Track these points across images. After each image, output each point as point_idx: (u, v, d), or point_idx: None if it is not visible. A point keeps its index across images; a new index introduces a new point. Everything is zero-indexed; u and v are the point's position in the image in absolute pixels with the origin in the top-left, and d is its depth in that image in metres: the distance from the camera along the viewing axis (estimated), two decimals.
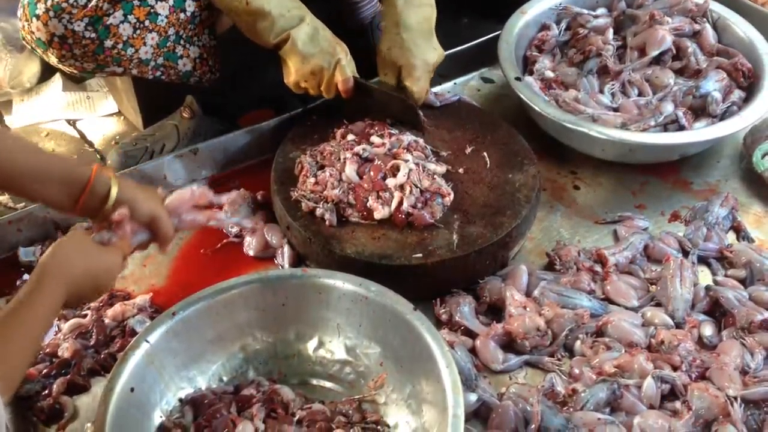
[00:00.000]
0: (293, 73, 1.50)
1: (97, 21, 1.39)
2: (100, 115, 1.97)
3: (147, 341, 1.14)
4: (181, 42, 1.51)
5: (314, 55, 1.47)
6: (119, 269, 1.10)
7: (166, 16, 1.46)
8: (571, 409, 1.16)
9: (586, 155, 1.63)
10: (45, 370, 1.25)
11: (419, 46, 1.54)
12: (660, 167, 1.64)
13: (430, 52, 1.56)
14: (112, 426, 1.05)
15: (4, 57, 1.92)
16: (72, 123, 1.96)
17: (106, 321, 1.33)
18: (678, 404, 1.16)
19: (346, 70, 1.49)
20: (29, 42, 1.44)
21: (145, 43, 1.45)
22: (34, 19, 1.39)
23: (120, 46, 1.43)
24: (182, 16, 1.49)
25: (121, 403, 1.08)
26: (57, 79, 1.99)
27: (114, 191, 1.09)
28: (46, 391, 1.22)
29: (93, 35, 1.40)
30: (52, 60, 1.47)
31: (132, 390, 1.10)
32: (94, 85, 2.01)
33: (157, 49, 1.47)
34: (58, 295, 1.00)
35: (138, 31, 1.43)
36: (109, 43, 1.42)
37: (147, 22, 1.44)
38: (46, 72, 1.98)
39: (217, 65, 1.60)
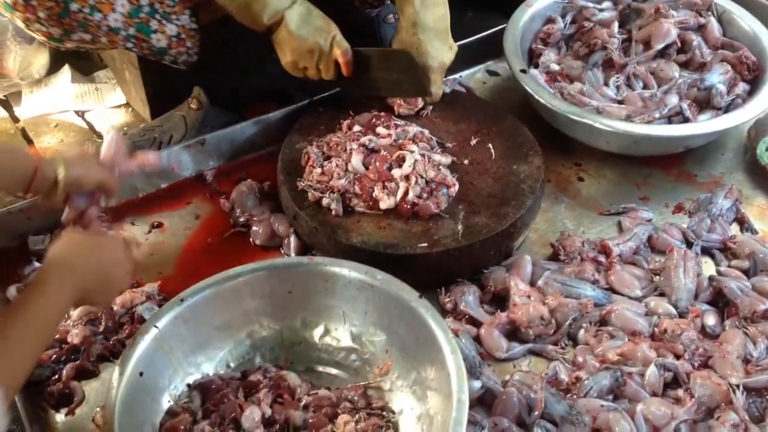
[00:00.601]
0: (289, 54, 1.49)
1: None
2: (109, 107, 1.98)
3: (156, 326, 1.16)
4: (157, 17, 1.47)
5: (309, 33, 1.46)
6: (123, 257, 1.12)
7: None
8: (575, 396, 1.17)
9: (590, 147, 1.64)
10: (55, 356, 1.26)
11: (436, 48, 1.54)
12: (664, 159, 1.65)
13: (446, 53, 1.56)
14: (121, 410, 1.07)
15: (13, 48, 1.94)
16: (80, 114, 1.97)
17: (115, 308, 1.34)
18: (681, 392, 1.17)
19: (343, 43, 1.48)
20: None
21: (114, 10, 1.42)
22: None
23: (86, 10, 1.40)
24: None
25: (131, 387, 1.10)
26: (66, 71, 2.00)
27: (61, 174, 1.13)
28: (56, 376, 1.24)
29: None
30: (20, 24, 1.45)
31: (141, 374, 1.12)
32: (102, 76, 2.03)
33: (128, 18, 1.44)
34: (65, 297, 1.00)
35: None
36: (74, 6, 1.39)
37: None
38: (56, 63, 2.00)
39: (195, 48, 1.56)
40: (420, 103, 1.60)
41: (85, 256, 1.06)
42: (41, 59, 1.97)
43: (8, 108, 1.99)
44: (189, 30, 1.54)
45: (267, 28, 1.48)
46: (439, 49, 1.55)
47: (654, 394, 1.17)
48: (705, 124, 1.56)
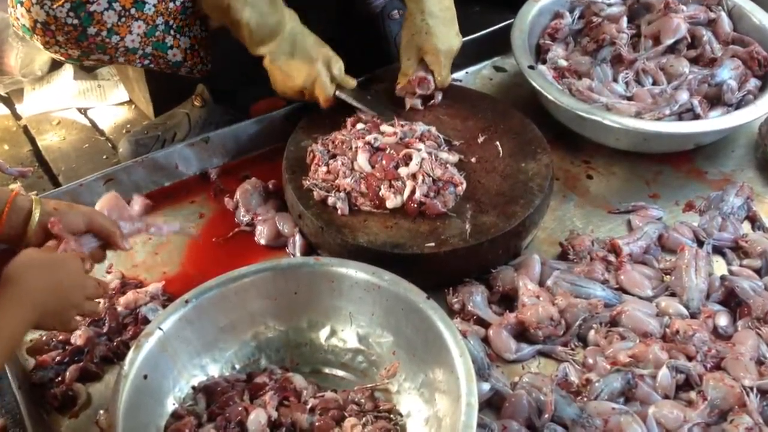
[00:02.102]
0: (277, 87, 1.55)
1: (79, 7, 1.36)
2: (111, 104, 1.97)
3: (160, 329, 1.14)
4: (171, 32, 1.49)
5: (292, 74, 1.51)
6: (82, 275, 1.06)
7: (154, 5, 1.44)
8: (585, 399, 1.15)
9: (599, 144, 1.62)
10: (58, 358, 1.25)
11: (444, 32, 1.55)
12: (674, 156, 1.63)
13: (454, 38, 1.57)
14: (125, 413, 1.05)
15: (15, 45, 1.92)
16: (83, 111, 1.96)
17: (119, 309, 1.33)
18: (693, 394, 1.15)
19: (325, 88, 1.52)
20: (17, 28, 1.43)
21: (131, 32, 1.43)
22: (19, 5, 1.38)
23: (104, 33, 1.41)
24: (171, 5, 1.46)
25: (135, 390, 1.08)
26: (68, 68, 1.99)
27: (36, 212, 1.07)
28: (59, 378, 1.23)
29: (75, 21, 1.37)
30: (38, 45, 1.45)
31: (145, 377, 1.10)
32: (105, 73, 2.01)
33: (144, 38, 1.46)
34: (22, 318, 0.95)
35: (123, 19, 1.41)
36: (92, 30, 1.39)
37: (133, 11, 1.41)
38: (58, 60, 1.98)
39: (209, 56, 1.58)
40: (431, 88, 1.58)
41: (42, 277, 1.00)
42: (43, 56, 1.96)
43: (10, 105, 1.98)
44: (201, 39, 1.55)
45: (259, 57, 1.51)
46: (447, 33, 1.56)
47: (666, 397, 1.15)
48: (716, 121, 1.54)
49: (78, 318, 1.09)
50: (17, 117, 1.95)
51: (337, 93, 1.55)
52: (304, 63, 1.50)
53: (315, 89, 1.52)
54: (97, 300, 1.10)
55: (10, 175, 1.50)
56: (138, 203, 1.22)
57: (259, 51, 1.49)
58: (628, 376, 1.15)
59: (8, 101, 1.99)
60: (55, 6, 1.36)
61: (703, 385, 1.15)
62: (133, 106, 1.96)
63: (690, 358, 1.19)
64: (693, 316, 1.28)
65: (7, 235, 1.07)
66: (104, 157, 1.82)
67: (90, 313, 1.11)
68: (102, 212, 1.16)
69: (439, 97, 1.60)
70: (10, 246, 1.09)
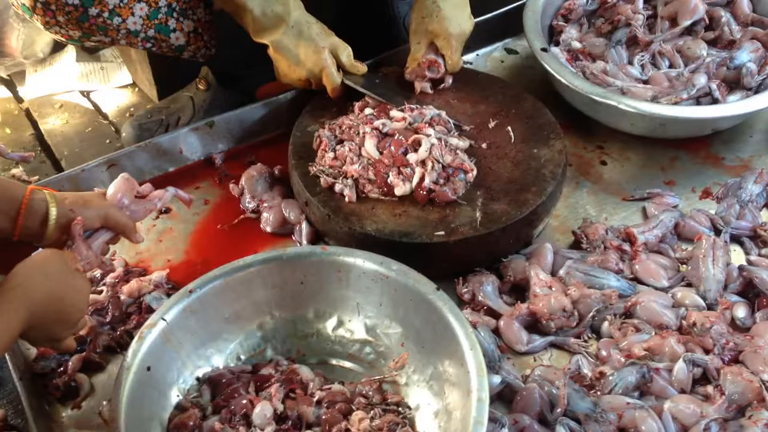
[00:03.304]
0: (281, 76, 1.51)
1: None
2: (114, 87, 1.94)
3: (164, 319, 1.12)
4: (174, 15, 1.45)
5: (298, 64, 1.47)
6: (87, 296, 1.04)
7: None
8: (599, 393, 1.12)
9: (613, 129, 1.58)
10: None
11: (456, 15, 1.51)
12: (690, 142, 1.58)
13: (465, 22, 1.53)
14: (128, 405, 1.03)
15: (16, 26, 1.89)
16: (86, 94, 1.92)
17: (122, 297, 1.30)
18: (710, 389, 1.12)
19: (332, 78, 1.48)
20: (17, 7, 1.40)
21: (133, 14, 1.39)
22: None
23: (105, 14, 1.37)
24: None
25: (138, 382, 1.06)
26: (70, 50, 1.95)
27: (53, 212, 1.04)
28: (62, 369, 1.21)
29: (77, 2, 1.34)
30: (38, 25, 1.42)
31: (148, 369, 1.08)
32: (108, 55, 1.98)
33: (147, 20, 1.42)
34: (16, 320, 0.92)
35: (125, 1, 1.38)
36: (93, 11, 1.36)
37: None
38: (59, 42, 1.95)
39: (213, 41, 1.54)
40: (441, 71, 1.54)
41: (47, 286, 0.97)
42: (45, 37, 1.93)
43: (12, 88, 1.95)
44: (205, 23, 1.51)
45: (263, 44, 1.47)
46: (459, 16, 1.52)
47: (682, 391, 1.12)
48: (735, 106, 1.49)
49: (68, 341, 1.07)
50: (19, 100, 1.92)
51: (345, 80, 1.51)
52: (310, 52, 1.46)
53: (322, 79, 1.49)
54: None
55: (12, 159, 1.48)
56: (147, 188, 1.20)
57: (264, 39, 1.46)
58: (644, 370, 1.12)
59: (10, 84, 1.96)
60: None
61: (721, 379, 1.12)
62: (137, 89, 1.93)
63: (707, 351, 1.16)
64: (710, 307, 1.24)
65: (25, 234, 1.05)
66: (107, 141, 1.79)
67: (65, 346, 1.08)
68: (116, 201, 1.13)
69: (449, 81, 1.56)
70: (29, 242, 1.07)
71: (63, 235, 1.07)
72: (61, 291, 0.99)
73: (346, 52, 1.50)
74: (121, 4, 1.37)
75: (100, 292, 1.32)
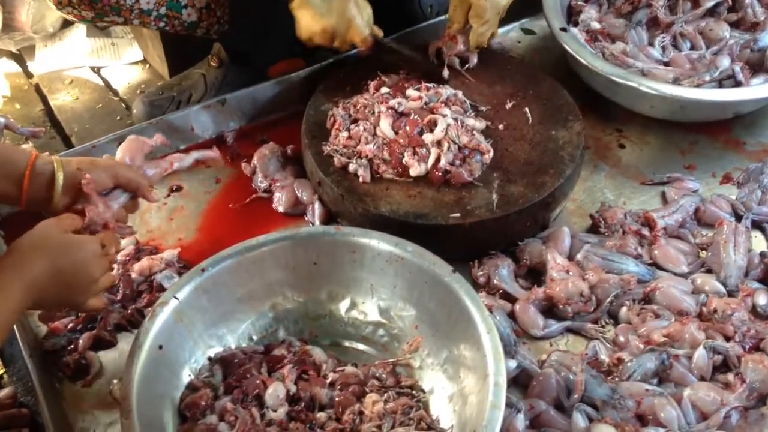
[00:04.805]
0: (303, 30, 1.43)
1: None
2: (125, 63, 1.91)
3: (176, 298, 1.10)
4: None
5: (324, 14, 1.40)
6: (94, 257, 0.99)
7: None
8: (617, 379, 1.10)
9: (632, 112, 1.55)
10: (71, 325, 1.22)
11: None
12: (710, 126, 1.55)
13: None
14: (139, 384, 1.02)
15: (26, 0, 1.86)
16: (96, 70, 1.90)
17: (133, 275, 1.29)
18: (731, 376, 1.10)
19: (360, 28, 1.43)
20: None
21: None
22: None
23: None
24: None
25: (150, 360, 1.04)
26: (81, 25, 1.92)
27: (59, 175, 1.01)
28: (72, 346, 1.19)
29: None
30: (50, 5, 1.40)
31: (160, 347, 1.07)
32: (119, 31, 1.95)
33: None
34: (12, 300, 0.90)
35: None
36: None
37: None
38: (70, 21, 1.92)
39: (225, 16, 1.51)
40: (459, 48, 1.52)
41: (46, 260, 0.94)
42: (55, 12, 1.89)
43: (22, 63, 1.93)
44: None
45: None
46: None
47: (702, 379, 1.11)
48: (759, 89, 1.46)
49: (92, 302, 1.04)
50: (29, 75, 1.90)
51: (380, 39, 1.46)
52: (341, 3, 1.41)
53: (349, 31, 1.43)
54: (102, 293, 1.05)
55: (22, 135, 1.46)
56: (159, 138, 1.17)
57: None
58: (663, 356, 1.10)
59: (20, 58, 1.94)
60: None
61: (742, 367, 1.10)
62: (148, 66, 1.91)
63: (728, 339, 1.14)
64: (731, 294, 1.22)
65: (32, 201, 1.02)
66: (118, 117, 1.77)
67: (89, 307, 1.05)
68: (125, 162, 1.11)
69: (473, 60, 1.53)
70: (38, 211, 1.05)
71: (72, 201, 1.04)
72: (59, 264, 0.96)
73: (366, 11, 1.45)
74: None
75: (111, 269, 1.30)
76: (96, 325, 1.22)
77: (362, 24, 1.43)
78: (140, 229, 1.38)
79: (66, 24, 1.94)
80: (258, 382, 1.07)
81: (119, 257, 1.31)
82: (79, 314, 1.23)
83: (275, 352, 1.14)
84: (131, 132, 1.47)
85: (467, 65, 1.53)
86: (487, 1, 1.45)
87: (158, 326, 1.07)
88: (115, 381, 1.16)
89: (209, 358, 1.14)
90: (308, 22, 1.42)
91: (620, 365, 1.11)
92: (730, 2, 1.63)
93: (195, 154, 1.20)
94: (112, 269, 1.05)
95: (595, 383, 1.08)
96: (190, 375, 1.11)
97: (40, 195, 1.02)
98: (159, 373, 1.07)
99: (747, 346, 1.13)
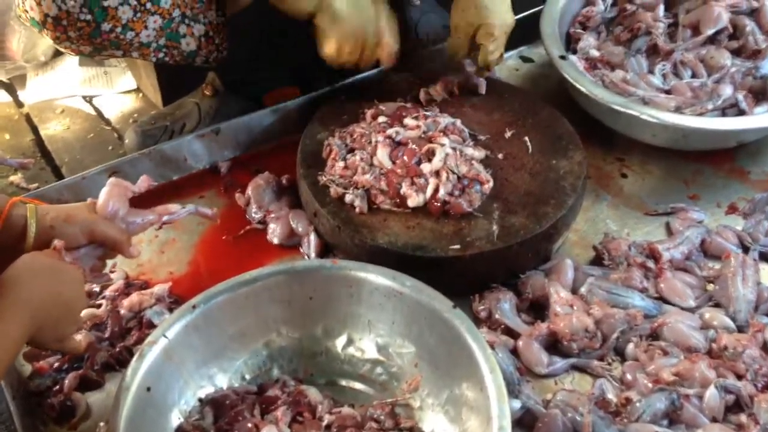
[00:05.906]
0: (334, 40, 1.39)
1: (93, 2, 1.27)
2: (118, 92, 1.89)
3: (165, 336, 1.05)
4: (186, 21, 1.39)
5: (354, 18, 1.38)
6: (82, 284, 0.98)
7: None
8: (625, 420, 1.06)
9: (633, 140, 1.52)
10: (56, 364, 1.18)
11: (497, 5, 1.44)
12: (713, 154, 1.53)
13: (507, 12, 1.46)
14: (126, 427, 0.97)
15: (17, 28, 1.84)
16: (88, 99, 1.87)
17: (122, 311, 1.25)
18: (743, 417, 1.05)
19: (393, 41, 1.43)
20: (24, 20, 1.35)
21: (146, 27, 1.34)
22: None
23: (119, 29, 1.32)
24: None
25: (137, 402, 1.00)
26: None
27: (32, 227, 0.98)
28: (57, 387, 1.15)
29: (89, 17, 1.28)
30: (48, 40, 1.37)
31: (148, 389, 1.02)
32: (111, 60, 1.93)
33: (160, 30, 1.37)
34: (19, 325, 0.87)
35: (139, 15, 1.32)
36: (106, 26, 1.31)
37: (149, 5, 1.31)
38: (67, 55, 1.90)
39: (224, 43, 1.48)
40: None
41: (43, 283, 0.92)
42: (47, 41, 1.87)
43: (12, 92, 1.90)
44: (216, 26, 1.45)
45: (308, 15, 1.38)
46: (500, 7, 1.45)
47: (714, 420, 1.06)
48: (764, 117, 1.43)
49: (77, 337, 1.01)
50: (19, 104, 1.87)
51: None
52: (367, 6, 1.39)
53: (381, 40, 1.42)
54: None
55: (10, 167, 1.42)
56: (144, 183, 1.12)
57: (316, 5, 1.37)
58: (673, 396, 1.06)
59: (10, 88, 1.91)
60: (67, 0, 1.27)
61: (755, 407, 1.05)
62: (141, 95, 1.88)
63: (739, 377, 1.10)
64: (740, 329, 1.18)
65: (3, 249, 0.99)
66: (110, 147, 1.73)
67: (70, 348, 1.02)
68: (106, 212, 1.06)
69: (483, 86, 1.52)
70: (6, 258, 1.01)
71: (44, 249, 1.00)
72: (58, 284, 0.94)
73: (395, 23, 1.45)
74: (135, 18, 1.32)
75: (99, 305, 1.26)
76: (83, 364, 1.17)
77: (390, 33, 1.43)
78: (130, 263, 1.34)
79: (58, 53, 1.92)
80: (250, 425, 1.02)
81: (107, 293, 1.27)
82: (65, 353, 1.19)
83: (269, 393, 1.09)
84: (124, 162, 1.45)
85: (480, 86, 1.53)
86: (496, 19, 1.43)
87: (147, 366, 1.02)
88: (101, 424, 1.10)
89: (200, 400, 1.09)
90: (340, 31, 1.39)
91: (628, 405, 1.07)
92: (731, 30, 1.61)
93: (190, 208, 1.16)
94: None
95: (603, 425, 1.04)
96: (179, 418, 1.06)
97: (9, 243, 1.00)
98: (147, 416, 1.02)
99: (760, 385, 1.09)
